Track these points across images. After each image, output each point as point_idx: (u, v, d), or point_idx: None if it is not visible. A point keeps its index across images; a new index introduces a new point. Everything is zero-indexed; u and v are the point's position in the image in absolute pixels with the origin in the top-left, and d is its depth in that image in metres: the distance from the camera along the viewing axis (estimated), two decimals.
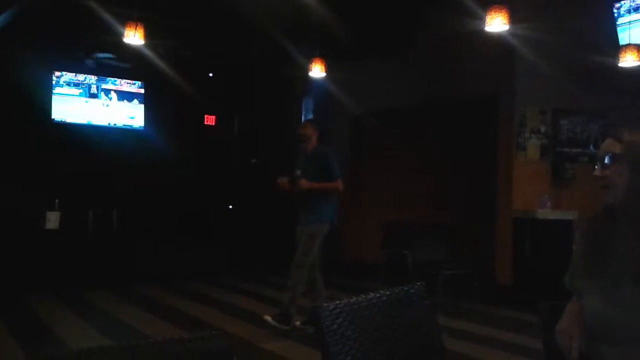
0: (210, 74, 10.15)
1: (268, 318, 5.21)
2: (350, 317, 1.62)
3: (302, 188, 5.24)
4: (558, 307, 1.91)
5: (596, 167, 1.84)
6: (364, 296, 1.69)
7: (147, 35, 6.49)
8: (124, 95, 9.68)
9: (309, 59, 7.48)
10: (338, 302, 1.62)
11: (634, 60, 5.70)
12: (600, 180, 1.81)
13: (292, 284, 5.22)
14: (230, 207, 10.22)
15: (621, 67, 5.88)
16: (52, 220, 8.21)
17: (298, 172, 5.34)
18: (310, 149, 5.45)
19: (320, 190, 5.24)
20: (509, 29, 5.18)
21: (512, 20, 5.12)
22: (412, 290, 1.84)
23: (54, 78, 9.09)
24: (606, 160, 1.79)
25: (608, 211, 1.86)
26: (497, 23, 4.85)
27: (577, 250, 1.96)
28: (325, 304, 1.60)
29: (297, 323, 5.28)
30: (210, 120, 10.41)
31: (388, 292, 1.76)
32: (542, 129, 7.05)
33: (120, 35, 6.54)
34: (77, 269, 7.61)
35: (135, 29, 6.35)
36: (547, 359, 1.97)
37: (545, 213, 6.70)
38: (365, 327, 1.64)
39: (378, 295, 1.73)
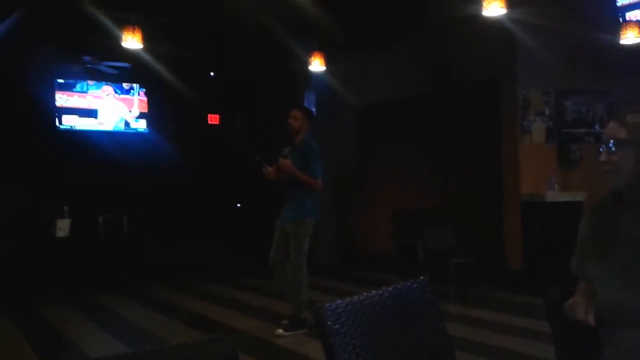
0: (212, 73, 10.16)
1: (280, 331, 5.09)
2: (352, 316, 1.61)
3: (283, 168, 5.04)
4: (567, 293, 1.91)
5: (601, 150, 1.82)
6: (365, 294, 1.68)
7: (146, 38, 6.51)
8: (126, 99, 9.71)
9: (309, 53, 7.46)
10: (340, 301, 1.62)
11: (635, 38, 5.64)
12: (607, 165, 1.79)
13: (294, 291, 5.10)
14: (239, 205, 10.25)
15: (622, 44, 5.82)
16: (63, 228, 8.26)
17: (285, 152, 5.17)
18: (299, 141, 5.22)
19: (299, 181, 5.05)
20: (508, 11, 5.13)
21: (511, 2, 5.07)
22: (415, 285, 1.83)
23: (57, 85, 9.14)
24: (611, 145, 1.77)
25: (615, 195, 1.85)
26: (493, 7, 4.82)
27: (582, 234, 1.95)
28: (327, 304, 1.60)
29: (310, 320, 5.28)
30: (214, 119, 10.45)
31: (390, 289, 1.75)
32: (547, 111, 6.99)
33: (119, 39, 6.57)
34: (88, 274, 7.67)
35: (133, 33, 6.38)
36: (556, 343, 1.97)
37: (554, 195, 6.65)
38: (368, 325, 1.64)
39: (380, 292, 1.73)
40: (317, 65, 7.43)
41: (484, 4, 4.89)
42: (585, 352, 1.88)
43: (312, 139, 5.29)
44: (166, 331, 5.45)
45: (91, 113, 9.42)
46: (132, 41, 6.38)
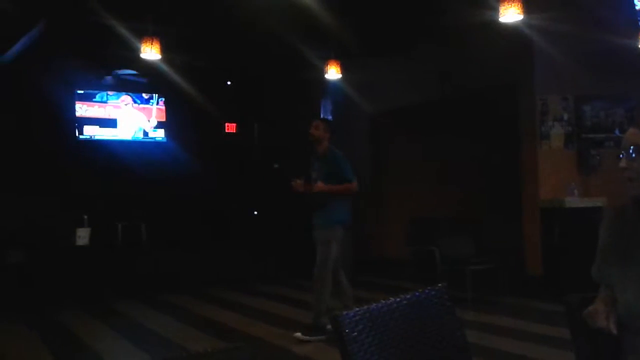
0: (228, 82, 10.23)
1: (299, 335, 5.09)
2: (370, 324, 1.62)
3: (317, 190, 5.13)
4: (587, 299, 1.89)
5: (621, 156, 1.81)
6: (383, 302, 1.68)
7: (163, 49, 6.59)
8: (145, 109, 9.82)
9: (324, 61, 7.49)
10: (357, 309, 1.62)
11: None
12: (627, 171, 1.78)
13: (316, 297, 5.11)
14: (255, 212, 10.29)
15: None
16: (82, 236, 8.35)
17: (314, 174, 5.24)
18: (322, 150, 5.30)
19: (335, 193, 5.13)
20: (525, 17, 5.12)
21: (529, 7, 5.06)
22: (433, 292, 1.82)
23: (77, 96, 9.27)
24: (631, 151, 1.76)
25: (635, 202, 1.83)
26: (510, 13, 4.80)
27: (603, 241, 1.93)
28: (345, 312, 1.61)
29: (329, 327, 5.26)
30: (231, 128, 10.50)
31: (408, 296, 1.75)
32: (565, 117, 6.94)
33: (137, 51, 6.66)
34: (107, 281, 7.74)
35: (152, 44, 6.47)
36: (576, 350, 1.95)
37: (573, 201, 6.59)
38: (386, 333, 1.64)
39: (398, 299, 1.73)
40: (332, 73, 7.47)
41: (501, 10, 4.88)
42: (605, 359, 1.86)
43: (334, 147, 5.35)
44: (184, 338, 5.44)
45: (110, 123, 9.53)
46: (150, 52, 6.47)
